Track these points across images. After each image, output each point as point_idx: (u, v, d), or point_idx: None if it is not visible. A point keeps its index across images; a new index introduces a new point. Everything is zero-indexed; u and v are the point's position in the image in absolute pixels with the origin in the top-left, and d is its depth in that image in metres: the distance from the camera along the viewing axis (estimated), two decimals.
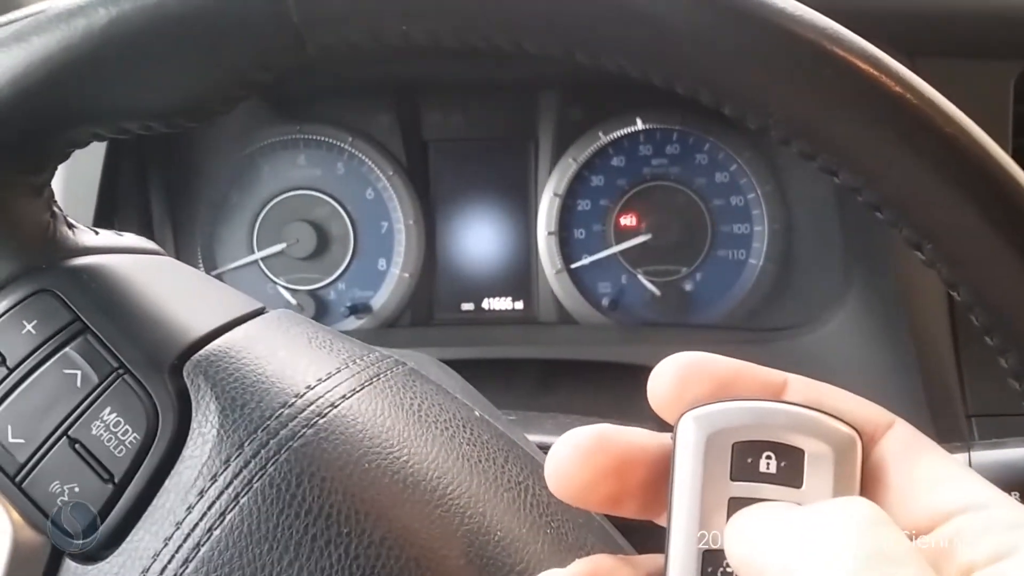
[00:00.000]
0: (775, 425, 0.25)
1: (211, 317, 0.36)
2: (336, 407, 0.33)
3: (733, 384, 0.26)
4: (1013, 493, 0.25)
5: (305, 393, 0.33)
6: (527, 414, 0.55)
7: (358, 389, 0.35)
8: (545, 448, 0.43)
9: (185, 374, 0.34)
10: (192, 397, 0.33)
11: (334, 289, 0.93)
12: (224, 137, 0.91)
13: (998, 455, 0.48)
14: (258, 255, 0.92)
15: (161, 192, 0.92)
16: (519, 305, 0.93)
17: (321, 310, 0.92)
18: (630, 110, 0.89)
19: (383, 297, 0.92)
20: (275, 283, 0.93)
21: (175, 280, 0.39)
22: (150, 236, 0.89)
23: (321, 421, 0.32)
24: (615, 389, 0.81)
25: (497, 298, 0.94)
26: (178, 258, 0.93)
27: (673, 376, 0.27)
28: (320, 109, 0.92)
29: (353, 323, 0.92)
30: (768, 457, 0.25)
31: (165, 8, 0.29)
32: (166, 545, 0.31)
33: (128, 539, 0.32)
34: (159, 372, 0.33)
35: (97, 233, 0.39)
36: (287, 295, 0.92)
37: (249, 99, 0.33)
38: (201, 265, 0.93)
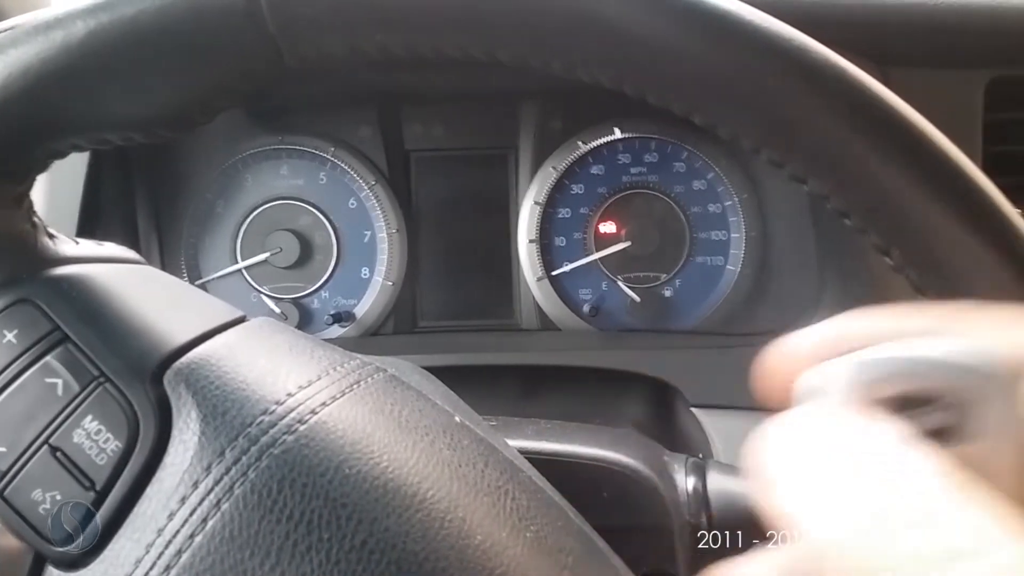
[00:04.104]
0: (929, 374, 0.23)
1: (192, 325, 0.36)
2: (316, 414, 0.33)
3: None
4: None
5: (286, 400, 0.33)
6: (508, 419, 0.55)
7: (338, 396, 0.35)
8: (526, 453, 0.43)
9: (166, 382, 0.34)
10: (173, 405, 0.33)
11: (318, 297, 0.93)
12: (208, 147, 0.91)
13: None
14: (242, 264, 0.92)
15: (146, 202, 0.92)
16: (501, 312, 0.94)
17: (305, 318, 0.93)
18: (609, 119, 0.90)
19: (366, 305, 0.92)
20: (259, 292, 0.93)
21: (155, 289, 0.39)
22: (135, 246, 0.89)
23: (302, 428, 0.32)
24: (597, 394, 0.82)
25: (479, 305, 0.94)
26: (163, 268, 0.93)
27: (784, 356, 0.28)
28: (303, 119, 0.92)
29: (337, 331, 0.92)
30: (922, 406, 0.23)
31: (143, 20, 0.29)
32: (148, 552, 0.31)
33: (110, 546, 0.32)
34: (140, 380, 0.33)
35: (78, 243, 0.39)
36: (271, 304, 0.92)
37: (230, 109, 0.33)
38: (185, 274, 0.93)
